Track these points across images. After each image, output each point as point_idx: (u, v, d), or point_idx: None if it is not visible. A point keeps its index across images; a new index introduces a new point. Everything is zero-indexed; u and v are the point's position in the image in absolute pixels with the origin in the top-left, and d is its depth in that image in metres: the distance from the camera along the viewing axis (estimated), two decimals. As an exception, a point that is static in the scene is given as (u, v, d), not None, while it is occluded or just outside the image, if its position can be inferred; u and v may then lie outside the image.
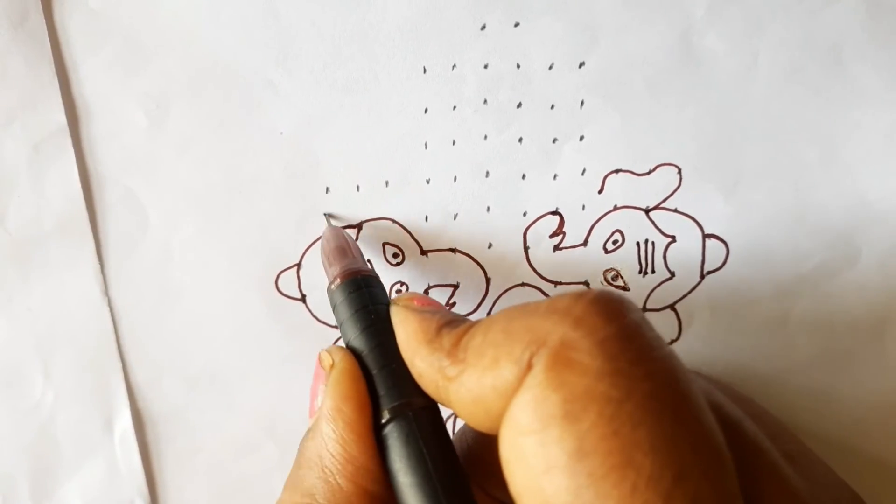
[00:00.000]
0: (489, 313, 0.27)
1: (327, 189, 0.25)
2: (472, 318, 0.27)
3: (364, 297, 0.21)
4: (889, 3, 0.25)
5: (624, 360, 0.15)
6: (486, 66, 0.24)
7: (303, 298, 0.26)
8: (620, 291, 0.17)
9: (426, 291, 0.27)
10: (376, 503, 0.18)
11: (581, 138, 0.25)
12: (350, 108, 0.24)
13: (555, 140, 0.25)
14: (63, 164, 0.24)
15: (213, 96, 0.24)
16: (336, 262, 0.22)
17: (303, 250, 0.26)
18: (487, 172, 0.25)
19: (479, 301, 0.27)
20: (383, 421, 0.18)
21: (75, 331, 0.26)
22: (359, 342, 0.20)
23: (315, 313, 0.26)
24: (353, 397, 0.18)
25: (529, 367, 0.15)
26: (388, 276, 0.26)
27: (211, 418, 0.27)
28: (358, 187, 0.25)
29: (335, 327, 0.27)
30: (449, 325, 0.18)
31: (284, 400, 0.27)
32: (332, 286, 0.22)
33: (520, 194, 0.26)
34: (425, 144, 0.25)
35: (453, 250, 0.26)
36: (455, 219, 0.26)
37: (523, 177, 0.25)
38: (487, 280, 0.27)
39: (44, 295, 0.25)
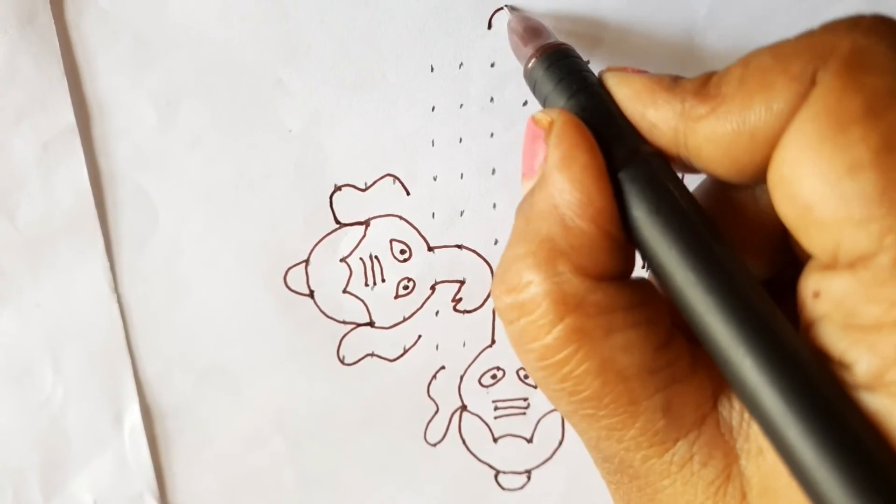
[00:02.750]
0: (495, 310, 0.28)
1: (336, 186, 0.25)
2: (478, 313, 0.28)
3: (567, 65, 0.20)
4: (889, 3, 0.25)
5: None
6: (492, 65, 0.24)
7: (311, 294, 0.27)
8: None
9: (433, 287, 0.27)
10: (616, 246, 0.17)
11: (586, 136, 0.26)
12: (358, 106, 0.24)
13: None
14: (72, 163, 0.24)
15: (222, 94, 0.24)
16: (530, 41, 0.21)
17: (311, 246, 0.26)
18: (494, 170, 0.26)
19: (485, 297, 0.27)
20: (616, 168, 0.17)
21: (85, 326, 0.26)
22: (570, 108, 0.19)
23: (323, 309, 0.27)
24: (584, 144, 0.17)
25: (814, 81, 0.15)
26: (395, 272, 0.27)
27: (220, 412, 0.28)
28: (366, 184, 0.26)
29: (342, 323, 0.27)
30: (680, 77, 0.17)
31: (293, 394, 0.28)
32: (530, 65, 0.21)
33: (525, 191, 0.26)
34: (432, 142, 0.25)
35: (460, 247, 0.27)
36: (462, 215, 0.26)
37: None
38: (494, 276, 0.27)
39: (53, 291, 0.25)
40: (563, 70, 0.20)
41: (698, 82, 0.17)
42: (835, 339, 0.15)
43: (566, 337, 0.16)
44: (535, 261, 0.17)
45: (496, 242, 0.27)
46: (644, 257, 0.17)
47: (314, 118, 0.24)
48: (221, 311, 0.26)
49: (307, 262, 0.26)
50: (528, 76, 0.21)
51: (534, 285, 0.17)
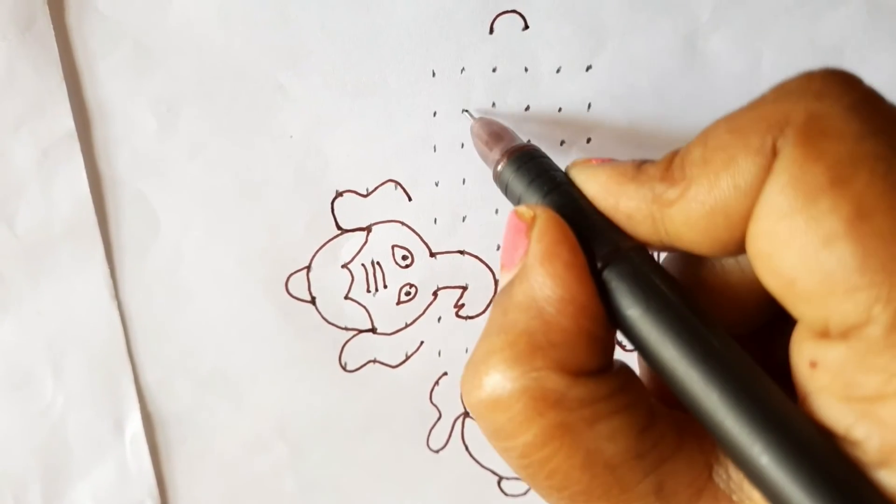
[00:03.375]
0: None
1: (337, 192, 0.25)
2: (481, 319, 0.28)
3: (535, 166, 0.20)
4: (890, 6, 0.25)
5: (880, 120, 0.14)
6: (494, 70, 0.24)
7: (312, 301, 0.26)
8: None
9: (435, 293, 0.27)
10: (597, 345, 0.17)
11: (588, 140, 0.25)
12: (359, 112, 0.24)
13: (562, 142, 0.25)
14: (72, 169, 0.24)
15: (223, 100, 0.24)
16: (495, 145, 0.21)
17: (312, 252, 0.26)
18: (496, 175, 0.26)
19: (487, 302, 0.27)
20: (599, 266, 0.17)
21: (85, 333, 0.26)
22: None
23: (325, 315, 0.27)
24: (566, 241, 0.17)
25: (774, 152, 0.15)
26: (396, 278, 0.27)
27: (221, 419, 0.27)
28: (367, 190, 0.25)
29: (344, 329, 0.27)
30: (644, 162, 0.17)
31: (294, 401, 0.28)
32: (499, 168, 0.21)
33: (528, 196, 0.26)
34: (434, 147, 0.25)
35: (462, 252, 0.27)
36: (464, 221, 0.26)
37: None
38: (496, 282, 0.27)
39: (54, 298, 0.25)
40: (532, 171, 0.20)
41: (662, 166, 0.17)
42: (837, 412, 0.14)
43: (548, 433, 0.16)
44: (512, 353, 0.16)
45: (498, 248, 0.27)
46: (641, 353, 0.17)
47: (315, 124, 0.24)
48: (222, 317, 0.26)
49: (308, 268, 0.26)
50: (498, 179, 0.21)
51: (510, 381, 0.16)
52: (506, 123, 0.24)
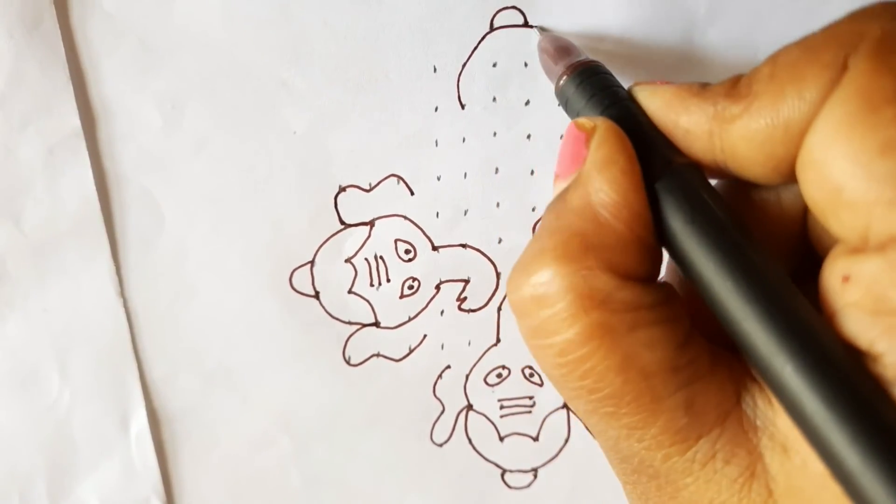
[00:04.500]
0: (500, 308, 0.28)
1: (340, 186, 0.26)
2: (483, 312, 0.28)
3: (598, 81, 0.20)
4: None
5: None
6: (494, 65, 0.25)
7: (316, 295, 0.27)
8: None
9: (437, 287, 0.27)
10: (647, 253, 0.17)
11: (588, 134, 0.26)
12: (362, 107, 0.25)
13: (562, 136, 0.26)
14: (78, 166, 0.24)
15: (227, 96, 0.24)
16: (560, 60, 0.22)
17: (316, 247, 0.26)
18: (497, 169, 0.26)
19: (490, 295, 0.28)
20: (652, 179, 0.17)
21: (91, 330, 0.26)
22: None
23: (329, 310, 0.27)
24: (624, 149, 0.17)
25: (845, 67, 0.15)
26: (399, 272, 0.27)
27: (226, 415, 0.28)
28: (370, 184, 0.26)
29: (348, 323, 0.27)
30: (708, 84, 0.17)
31: (299, 395, 0.28)
32: (561, 82, 0.21)
33: (529, 190, 0.26)
34: (436, 142, 0.25)
35: (464, 246, 0.27)
36: (465, 215, 0.26)
37: (532, 172, 0.26)
38: (498, 274, 0.27)
39: (59, 295, 0.26)
40: (595, 86, 0.20)
41: (728, 84, 0.17)
42: (863, 326, 0.15)
43: (589, 332, 0.16)
44: (564, 252, 0.17)
45: (500, 241, 0.27)
46: (680, 266, 0.17)
47: (318, 120, 0.25)
48: (227, 313, 0.26)
49: (312, 262, 0.26)
50: (560, 93, 0.21)
51: (559, 277, 0.16)
52: (502, 118, 0.24)
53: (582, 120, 0.18)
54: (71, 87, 0.23)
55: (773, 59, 0.16)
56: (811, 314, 0.15)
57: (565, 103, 0.21)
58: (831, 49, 0.15)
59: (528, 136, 0.25)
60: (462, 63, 0.24)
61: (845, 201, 0.15)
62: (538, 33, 0.24)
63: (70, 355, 0.26)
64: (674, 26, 0.25)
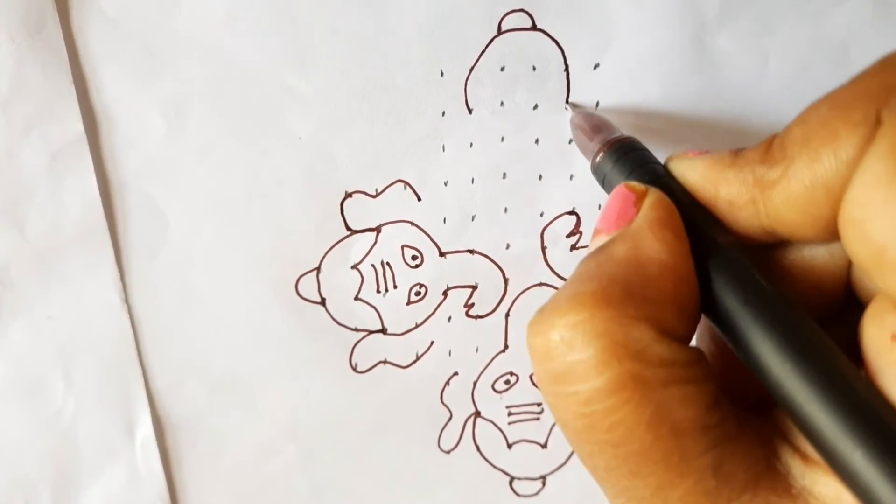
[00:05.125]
0: (507, 314, 0.28)
1: (346, 192, 0.25)
2: (491, 318, 0.28)
3: (635, 158, 0.20)
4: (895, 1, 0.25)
5: None
6: (502, 69, 0.24)
7: (322, 302, 0.26)
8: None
9: (445, 293, 0.27)
10: (687, 318, 0.17)
11: (597, 139, 0.26)
12: (368, 112, 0.24)
13: (571, 141, 0.25)
14: (81, 173, 0.24)
15: (231, 102, 0.24)
16: (595, 136, 0.22)
17: (322, 254, 0.26)
18: (504, 174, 0.26)
19: (497, 301, 0.27)
20: (699, 255, 0.17)
21: (96, 338, 0.26)
22: None
23: (335, 316, 0.27)
24: (677, 217, 0.17)
25: (878, 122, 0.14)
26: (406, 279, 0.27)
27: (232, 423, 0.27)
28: (376, 190, 0.25)
29: (355, 330, 0.27)
30: (741, 150, 0.17)
31: (305, 402, 0.28)
32: (598, 159, 0.21)
33: (537, 195, 0.26)
34: (443, 147, 0.25)
35: (471, 251, 0.27)
36: (473, 220, 0.26)
37: (540, 178, 0.26)
38: (506, 280, 0.27)
39: (64, 302, 0.25)
40: (633, 162, 0.20)
41: (761, 149, 0.17)
42: None
43: (621, 382, 0.15)
44: (604, 297, 0.16)
45: (508, 247, 0.27)
46: (734, 345, 0.17)
47: (324, 125, 0.24)
48: (233, 320, 0.26)
49: (318, 269, 0.26)
50: (597, 170, 0.21)
51: (595, 321, 0.16)
52: (510, 123, 0.24)
53: (634, 182, 0.18)
54: (74, 93, 0.23)
55: (804, 119, 0.16)
56: (874, 395, 0.15)
57: (602, 179, 0.21)
58: (862, 105, 0.15)
59: (537, 141, 0.25)
60: (469, 67, 0.24)
61: (889, 261, 0.14)
62: (570, 109, 0.24)
63: (74, 362, 0.26)
64: (683, 29, 0.24)
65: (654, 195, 0.18)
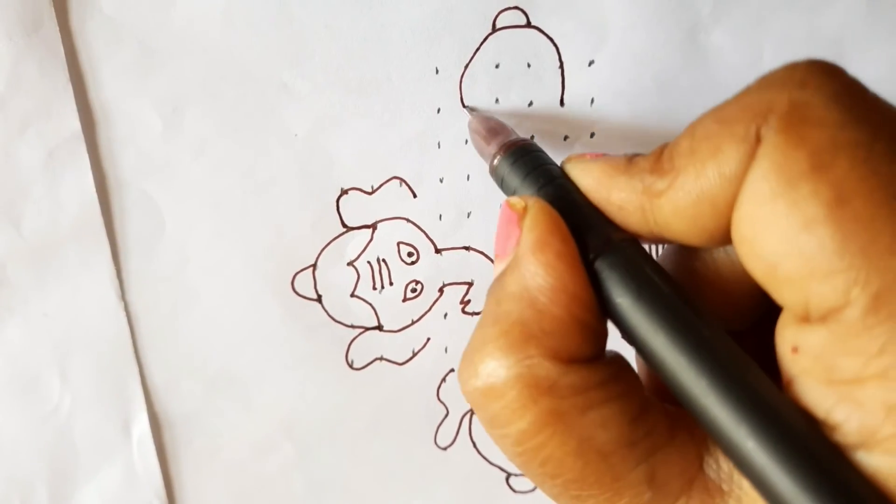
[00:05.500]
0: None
1: (342, 189, 0.25)
2: (487, 314, 0.28)
3: (531, 161, 0.20)
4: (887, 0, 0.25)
5: (861, 108, 0.15)
6: (497, 66, 0.24)
7: (318, 299, 0.27)
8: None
9: (441, 290, 0.27)
10: (589, 333, 0.17)
11: (592, 135, 0.26)
12: (364, 109, 0.24)
13: (566, 137, 0.25)
14: (78, 170, 0.24)
15: (227, 99, 0.24)
16: (492, 140, 0.22)
17: (318, 251, 0.26)
18: (500, 170, 0.26)
19: (493, 298, 0.27)
20: (591, 257, 0.17)
21: (92, 335, 0.26)
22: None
23: (331, 313, 0.27)
24: (558, 231, 0.17)
25: (758, 139, 0.15)
26: (402, 275, 0.27)
27: (228, 420, 0.27)
28: (372, 187, 0.25)
29: (351, 327, 0.27)
30: (635, 156, 0.18)
31: (302, 400, 0.28)
32: (495, 162, 0.21)
33: (532, 191, 0.26)
34: (438, 144, 0.25)
35: (467, 248, 0.27)
36: (469, 217, 0.26)
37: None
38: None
39: (60, 300, 0.25)
40: (528, 165, 0.20)
41: (652, 158, 0.17)
42: (818, 396, 0.15)
43: (542, 420, 0.16)
44: (506, 342, 0.17)
45: (504, 243, 0.27)
46: (631, 342, 0.17)
47: (319, 122, 0.24)
48: (229, 317, 0.26)
49: (314, 266, 0.26)
50: (494, 173, 0.21)
51: (504, 368, 0.17)
52: (505, 119, 0.24)
53: (514, 200, 0.18)
54: (71, 90, 0.23)
55: (692, 131, 0.16)
56: (767, 386, 0.15)
57: (500, 182, 0.21)
58: (743, 121, 0.15)
59: (532, 138, 0.25)
60: (464, 64, 0.24)
61: (781, 277, 0.15)
62: (468, 113, 0.24)
63: (71, 360, 0.26)
64: (678, 26, 0.25)
65: (532, 211, 0.18)
